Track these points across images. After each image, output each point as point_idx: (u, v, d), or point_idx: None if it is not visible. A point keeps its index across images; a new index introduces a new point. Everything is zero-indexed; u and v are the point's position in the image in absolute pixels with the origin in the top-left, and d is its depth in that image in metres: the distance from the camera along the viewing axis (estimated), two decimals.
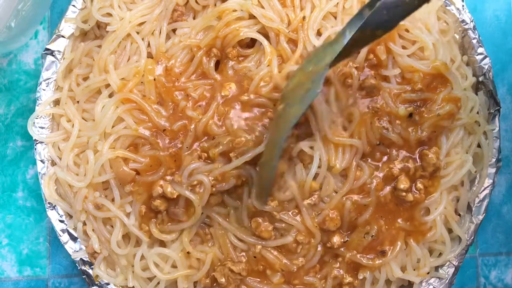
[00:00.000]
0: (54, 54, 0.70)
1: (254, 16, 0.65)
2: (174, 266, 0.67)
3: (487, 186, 0.70)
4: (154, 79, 0.66)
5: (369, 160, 0.66)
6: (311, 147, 0.64)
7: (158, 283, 0.67)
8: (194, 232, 0.67)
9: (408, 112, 0.66)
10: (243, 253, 0.66)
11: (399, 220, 0.67)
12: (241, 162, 0.63)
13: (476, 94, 0.71)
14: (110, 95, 0.67)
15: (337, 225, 0.65)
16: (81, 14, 0.70)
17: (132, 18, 0.67)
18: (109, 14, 0.68)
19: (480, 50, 0.71)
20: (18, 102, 0.74)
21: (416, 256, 0.68)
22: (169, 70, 0.67)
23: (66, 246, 0.69)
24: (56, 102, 0.70)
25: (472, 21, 0.72)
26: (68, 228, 0.69)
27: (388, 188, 0.66)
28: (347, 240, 0.66)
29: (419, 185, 0.66)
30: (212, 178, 0.64)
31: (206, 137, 0.65)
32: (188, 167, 0.64)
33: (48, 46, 0.70)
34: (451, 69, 0.68)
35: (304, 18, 0.65)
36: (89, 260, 0.68)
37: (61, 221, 0.69)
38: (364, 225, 0.66)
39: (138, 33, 0.67)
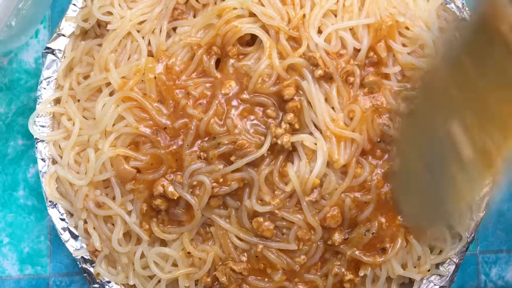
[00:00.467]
0: (54, 53, 0.70)
1: (254, 14, 0.66)
2: (174, 264, 0.67)
3: (487, 183, 0.70)
4: (155, 78, 0.66)
5: (370, 157, 0.67)
6: (315, 143, 0.64)
7: (159, 281, 0.67)
8: (195, 232, 0.67)
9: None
10: (244, 253, 0.66)
11: (400, 217, 0.67)
12: (242, 164, 0.63)
13: None
14: (111, 94, 0.67)
15: (338, 222, 0.65)
16: (82, 13, 0.70)
17: (133, 17, 0.67)
18: (110, 13, 0.68)
19: None
20: (19, 101, 0.74)
21: (416, 253, 0.68)
22: (170, 69, 0.67)
23: (67, 244, 0.69)
24: (57, 101, 0.70)
25: None
26: (69, 227, 0.69)
27: (388, 186, 0.66)
28: (347, 237, 0.66)
29: None
30: (213, 180, 0.64)
31: (207, 137, 0.65)
32: (189, 168, 0.64)
33: (48, 45, 0.70)
34: None
35: (304, 16, 0.65)
36: (90, 258, 0.69)
37: (62, 220, 0.69)
38: (365, 222, 0.66)
39: (138, 31, 0.67)
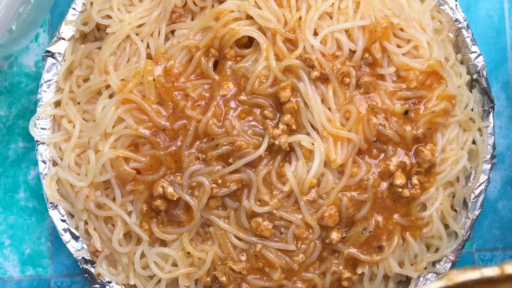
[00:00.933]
0: (54, 56, 0.71)
1: (251, 17, 0.67)
2: (174, 264, 0.67)
3: (483, 182, 0.72)
4: (154, 80, 0.67)
5: (366, 157, 0.67)
6: (312, 143, 0.65)
7: (159, 281, 0.68)
8: (195, 232, 0.67)
9: (404, 109, 0.67)
10: (243, 253, 0.67)
11: (396, 216, 0.68)
12: (240, 165, 0.64)
13: (471, 92, 0.73)
14: (111, 96, 0.68)
15: (336, 221, 0.66)
16: (81, 16, 0.71)
17: (131, 20, 0.68)
18: (109, 17, 0.69)
19: (474, 48, 0.73)
20: (19, 104, 0.75)
21: (413, 251, 0.69)
22: (168, 71, 0.68)
23: (68, 245, 0.70)
24: (57, 104, 0.71)
25: (465, 20, 0.73)
26: (69, 228, 0.70)
27: (385, 184, 0.67)
28: (345, 236, 0.67)
29: (415, 181, 0.67)
30: (212, 181, 0.65)
31: (206, 138, 0.66)
32: (188, 169, 0.65)
33: (48, 49, 0.71)
34: (446, 67, 0.69)
35: (300, 18, 0.66)
36: (91, 259, 0.69)
37: (63, 221, 0.70)
38: (362, 221, 0.67)
39: (137, 34, 0.68)
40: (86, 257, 0.69)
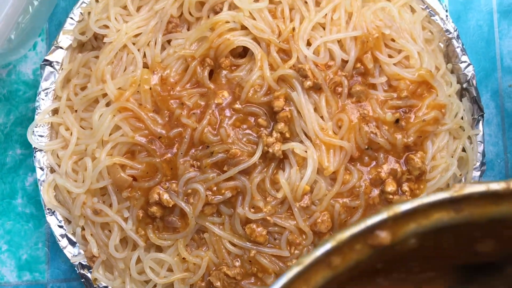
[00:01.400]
0: (52, 64, 0.72)
1: (246, 28, 0.68)
2: (170, 269, 0.68)
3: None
4: (150, 88, 0.68)
5: (358, 164, 0.69)
6: (305, 151, 0.67)
7: (155, 286, 0.69)
8: (190, 238, 0.69)
9: (395, 118, 0.69)
10: (238, 259, 0.68)
11: None
12: (234, 172, 0.65)
13: (461, 101, 0.74)
14: (107, 104, 0.69)
15: (328, 227, 0.67)
16: (79, 26, 0.72)
17: (128, 30, 0.70)
18: (106, 26, 0.70)
19: (464, 58, 0.74)
20: (17, 112, 0.76)
21: None
22: (165, 80, 0.69)
23: (65, 251, 0.70)
24: (55, 111, 0.72)
25: (456, 31, 0.75)
26: (67, 233, 0.71)
27: (376, 191, 0.69)
28: None
29: (405, 188, 0.69)
30: (207, 188, 0.66)
31: (201, 146, 0.67)
32: (184, 176, 0.66)
33: (46, 57, 0.72)
34: (436, 76, 0.71)
35: (294, 29, 0.68)
36: (88, 264, 0.70)
37: (60, 227, 0.71)
38: None
39: (134, 44, 0.70)
40: (83, 263, 0.70)
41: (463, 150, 0.73)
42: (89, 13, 0.71)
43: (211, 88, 0.68)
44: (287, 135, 0.67)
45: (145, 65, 0.70)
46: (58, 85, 0.72)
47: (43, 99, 0.72)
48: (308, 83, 0.67)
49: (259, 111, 0.68)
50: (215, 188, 0.66)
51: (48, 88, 0.72)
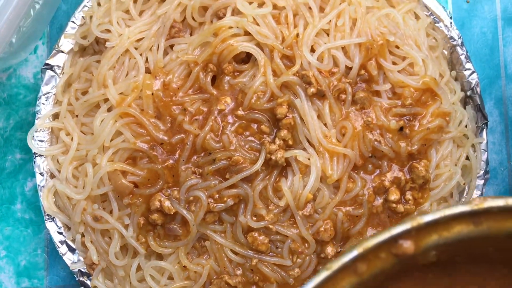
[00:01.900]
0: (53, 69, 0.72)
1: (250, 33, 0.67)
2: (170, 278, 0.68)
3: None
4: (152, 94, 0.68)
5: (362, 172, 0.68)
6: (308, 159, 0.66)
7: None
8: (191, 246, 0.68)
9: (399, 125, 0.68)
10: (239, 267, 0.67)
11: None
12: (236, 180, 0.65)
13: (465, 108, 0.74)
14: (109, 109, 0.68)
15: (331, 235, 0.67)
16: (80, 30, 0.71)
17: (131, 34, 0.69)
18: (108, 31, 0.70)
19: (468, 65, 0.74)
20: (17, 116, 0.76)
21: None
22: (167, 85, 0.68)
23: (64, 258, 0.70)
24: (55, 116, 0.72)
25: (460, 38, 0.74)
26: (66, 240, 0.70)
27: (379, 200, 0.68)
28: (340, 250, 0.68)
29: (409, 196, 0.68)
30: (209, 196, 0.65)
31: (203, 152, 0.67)
32: (186, 184, 0.66)
33: (47, 61, 0.72)
34: (440, 84, 0.70)
35: (297, 35, 0.67)
36: (87, 271, 0.69)
37: (60, 233, 0.70)
38: (357, 235, 0.67)
39: (136, 49, 0.69)
40: (82, 270, 0.70)
41: (467, 158, 0.72)
42: (91, 17, 0.71)
43: (213, 94, 0.68)
44: (290, 142, 0.66)
45: (147, 70, 0.69)
46: (59, 90, 0.71)
47: (43, 104, 0.71)
48: (312, 90, 0.66)
49: (262, 118, 0.67)
50: (217, 195, 0.66)
51: (48, 93, 0.72)
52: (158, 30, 0.69)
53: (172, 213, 0.66)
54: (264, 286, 0.67)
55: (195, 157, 0.67)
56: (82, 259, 0.70)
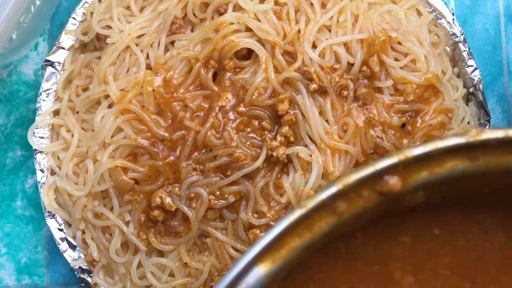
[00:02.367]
0: (54, 65, 0.72)
1: (251, 29, 0.67)
2: (171, 275, 0.68)
3: None
4: (153, 90, 0.67)
5: None
6: (310, 155, 0.66)
7: None
8: (192, 242, 0.68)
9: (401, 122, 0.68)
10: None
11: None
12: (238, 176, 0.65)
13: (467, 105, 0.73)
14: (110, 106, 0.68)
15: None
16: (81, 26, 0.71)
17: (131, 31, 0.69)
18: (109, 27, 0.69)
19: (471, 62, 0.74)
20: (18, 113, 0.75)
21: None
22: (168, 81, 0.68)
23: (65, 254, 0.70)
24: (56, 113, 0.72)
25: (462, 34, 0.74)
26: (67, 237, 0.70)
27: None
28: None
29: None
30: (210, 193, 0.65)
31: (204, 149, 0.67)
32: (187, 180, 0.66)
33: (48, 58, 0.71)
34: (443, 80, 0.70)
35: (299, 31, 0.67)
36: (88, 268, 0.69)
37: (60, 230, 0.70)
38: None
39: (137, 45, 0.69)
40: (83, 267, 0.69)
41: None
42: (91, 13, 0.70)
43: (214, 90, 0.68)
44: (292, 139, 0.66)
45: (148, 67, 0.69)
46: (59, 86, 0.71)
47: (44, 100, 0.71)
48: (313, 86, 0.66)
49: (263, 114, 0.67)
50: (218, 192, 0.66)
51: (49, 89, 0.71)
52: (159, 26, 0.69)
53: (173, 210, 0.65)
54: None
55: (196, 154, 0.67)
56: (82, 256, 0.69)
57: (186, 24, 0.70)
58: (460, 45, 0.73)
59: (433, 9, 0.73)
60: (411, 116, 0.69)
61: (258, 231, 0.66)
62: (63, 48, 0.72)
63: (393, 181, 0.37)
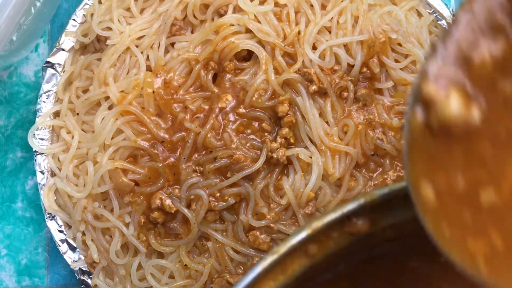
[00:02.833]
0: (54, 67, 0.72)
1: (251, 31, 0.67)
2: (171, 276, 0.67)
3: None
4: (153, 92, 0.67)
5: (364, 170, 0.68)
6: (310, 157, 0.66)
7: None
8: (192, 244, 0.68)
9: (402, 123, 0.68)
10: (240, 266, 0.67)
11: None
12: (238, 178, 0.65)
13: None
14: (110, 107, 0.68)
15: None
16: (81, 28, 0.71)
17: (132, 32, 0.69)
18: (109, 28, 0.69)
19: None
20: (18, 114, 0.76)
21: None
22: (168, 83, 0.68)
23: (65, 256, 0.70)
24: (56, 114, 0.72)
25: None
26: (67, 238, 0.70)
27: None
28: None
29: None
30: (210, 195, 0.65)
31: (204, 151, 0.67)
32: (187, 182, 0.66)
33: (48, 59, 0.72)
34: None
35: (299, 32, 0.67)
36: (88, 270, 0.69)
37: (60, 231, 0.70)
38: None
39: (137, 46, 0.69)
40: (83, 268, 0.69)
41: None
42: (92, 14, 0.70)
43: (214, 92, 0.68)
44: (292, 140, 0.66)
45: (148, 68, 0.69)
46: (59, 88, 0.71)
47: (44, 102, 0.71)
48: (313, 87, 0.66)
49: (263, 116, 0.67)
50: (218, 194, 0.66)
51: (49, 91, 0.71)
52: (159, 28, 0.69)
53: (173, 212, 0.65)
54: None
55: (196, 155, 0.67)
56: (82, 257, 0.69)
57: (186, 25, 0.70)
58: None
59: (433, 10, 0.73)
60: None
61: (258, 233, 0.66)
62: (63, 49, 0.72)
63: (360, 223, 0.39)
